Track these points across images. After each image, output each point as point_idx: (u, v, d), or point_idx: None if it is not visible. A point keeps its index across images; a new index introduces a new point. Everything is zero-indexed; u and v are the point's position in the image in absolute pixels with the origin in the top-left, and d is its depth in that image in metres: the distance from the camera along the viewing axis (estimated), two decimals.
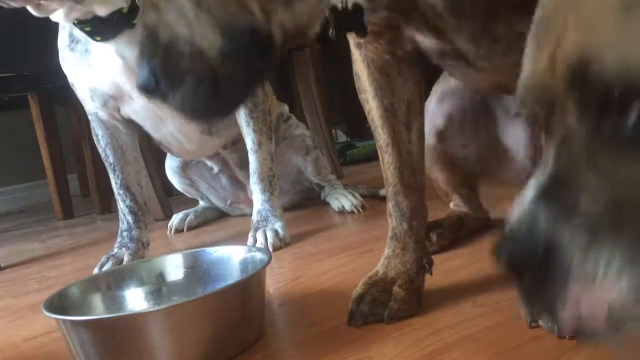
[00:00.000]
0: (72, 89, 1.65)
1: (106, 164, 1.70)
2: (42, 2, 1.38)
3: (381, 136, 1.00)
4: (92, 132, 1.69)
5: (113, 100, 1.61)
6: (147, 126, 1.73)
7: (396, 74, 0.97)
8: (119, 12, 1.45)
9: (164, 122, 1.71)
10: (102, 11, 1.43)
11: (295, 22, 0.71)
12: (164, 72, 0.68)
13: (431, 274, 1.03)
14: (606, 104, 0.38)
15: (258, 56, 0.70)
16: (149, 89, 0.70)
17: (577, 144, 0.41)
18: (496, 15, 0.81)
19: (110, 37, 1.48)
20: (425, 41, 0.91)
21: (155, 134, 1.79)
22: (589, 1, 0.38)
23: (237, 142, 1.88)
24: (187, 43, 0.67)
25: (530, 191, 0.44)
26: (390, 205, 1.02)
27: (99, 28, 1.45)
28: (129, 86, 1.55)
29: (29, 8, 1.37)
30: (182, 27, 0.67)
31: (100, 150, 1.69)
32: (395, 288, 0.98)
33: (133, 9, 1.45)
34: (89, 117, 1.68)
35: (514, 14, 0.78)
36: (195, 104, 0.70)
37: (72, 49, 1.57)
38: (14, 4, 1.33)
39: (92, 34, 1.48)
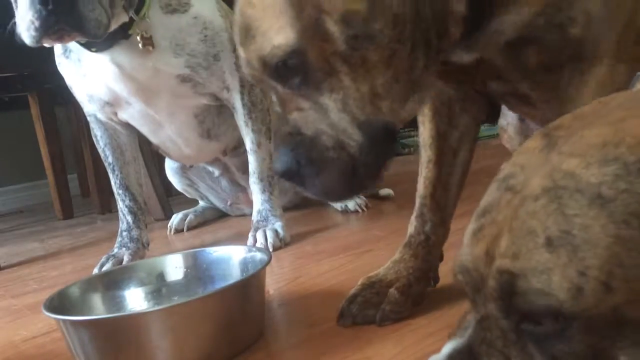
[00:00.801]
0: (70, 89, 1.65)
1: (105, 164, 1.70)
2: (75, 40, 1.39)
3: (426, 153, 1.04)
4: (92, 132, 1.70)
5: (109, 105, 1.61)
6: (145, 130, 1.72)
7: (458, 108, 1.02)
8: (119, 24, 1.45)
9: (161, 127, 1.70)
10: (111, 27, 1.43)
11: (409, 113, 0.85)
12: (309, 160, 0.80)
13: (434, 287, 1.05)
14: (526, 313, 0.45)
15: (387, 145, 0.83)
16: (290, 173, 0.82)
17: (496, 331, 0.48)
18: (550, 69, 0.88)
19: (106, 47, 1.47)
20: (492, 84, 0.96)
21: (154, 138, 1.78)
22: (520, 226, 0.45)
23: (238, 148, 1.87)
24: (330, 137, 0.80)
25: (446, 349, 0.50)
26: (414, 215, 1.04)
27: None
28: (125, 93, 1.55)
29: (46, 44, 1.37)
30: (325, 125, 0.80)
31: (99, 150, 1.69)
32: (392, 290, 0.99)
33: (129, 21, 1.45)
34: (88, 118, 1.68)
35: (564, 67, 0.86)
36: (335, 187, 0.82)
37: (67, 57, 1.57)
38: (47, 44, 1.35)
39: (87, 46, 1.48)
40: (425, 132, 1.04)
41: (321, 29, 0.75)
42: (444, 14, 0.80)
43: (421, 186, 1.04)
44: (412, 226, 1.04)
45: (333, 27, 0.75)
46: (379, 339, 0.91)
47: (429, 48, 0.81)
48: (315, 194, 0.84)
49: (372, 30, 0.76)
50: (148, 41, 1.46)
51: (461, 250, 0.51)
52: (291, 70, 0.78)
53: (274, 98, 0.84)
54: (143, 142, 1.90)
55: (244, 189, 2.01)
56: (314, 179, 0.82)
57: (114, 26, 1.42)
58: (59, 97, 2.64)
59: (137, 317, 0.92)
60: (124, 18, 1.43)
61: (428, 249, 1.03)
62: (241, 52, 0.83)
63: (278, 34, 0.76)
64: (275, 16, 0.76)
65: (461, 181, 1.05)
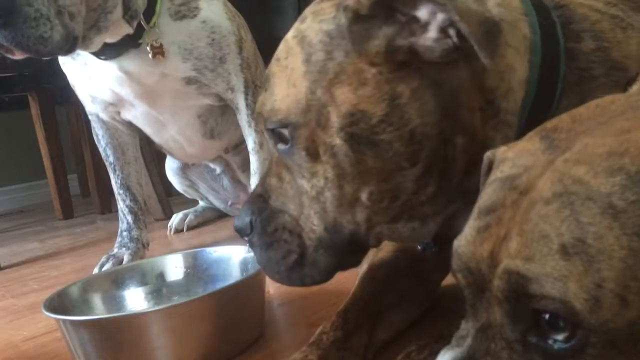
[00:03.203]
0: (72, 88, 1.65)
1: (106, 164, 1.70)
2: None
3: (369, 271, 0.96)
4: (93, 131, 1.69)
5: (113, 106, 1.61)
6: (148, 130, 1.73)
7: (432, 266, 0.94)
8: (125, 35, 1.45)
9: (165, 127, 1.70)
10: (111, 39, 1.43)
11: (392, 237, 0.79)
12: (261, 231, 0.78)
13: None
14: (535, 321, 0.44)
15: (349, 256, 0.79)
16: (243, 233, 0.81)
17: (501, 341, 0.46)
18: None
19: (115, 56, 1.47)
20: None
21: (157, 138, 1.79)
22: (532, 229, 0.44)
23: (239, 145, 1.88)
24: (292, 220, 0.76)
25: (444, 358, 0.49)
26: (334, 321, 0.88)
27: (105, 50, 1.44)
28: (131, 96, 1.55)
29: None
30: (294, 205, 0.76)
31: (100, 149, 1.69)
32: None
33: (138, 30, 1.45)
34: (90, 117, 1.68)
35: None
36: (276, 268, 0.79)
37: (73, 58, 1.55)
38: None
39: (97, 54, 1.47)
40: (378, 253, 0.96)
41: (324, 115, 0.71)
42: (477, 145, 0.71)
43: (358, 292, 0.93)
44: (327, 322, 0.88)
45: (335, 118, 0.70)
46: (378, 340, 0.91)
47: (448, 182, 0.73)
48: (259, 262, 0.82)
49: (377, 139, 0.70)
50: (158, 50, 1.45)
51: (460, 247, 0.50)
52: (281, 137, 0.75)
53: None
54: (144, 142, 1.90)
55: (245, 188, 2.01)
56: (260, 251, 0.80)
57: (116, 37, 1.42)
58: (59, 97, 2.65)
59: (137, 317, 0.91)
60: (126, 30, 1.42)
61: (342, 354, 0.82)
62: (261, 94, 0.80)
63: (282, 99, 0.73)
64: (288, 82, 0.73)
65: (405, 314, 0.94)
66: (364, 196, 0.73)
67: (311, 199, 0.74)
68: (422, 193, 0.73)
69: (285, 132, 0.73)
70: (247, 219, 0.79)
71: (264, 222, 0.78)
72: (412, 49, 0.68)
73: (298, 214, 0.76)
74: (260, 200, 0.79)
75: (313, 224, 0.75)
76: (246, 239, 0.82)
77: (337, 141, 0.71)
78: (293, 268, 0.78)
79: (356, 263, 0.82)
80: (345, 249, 0.76)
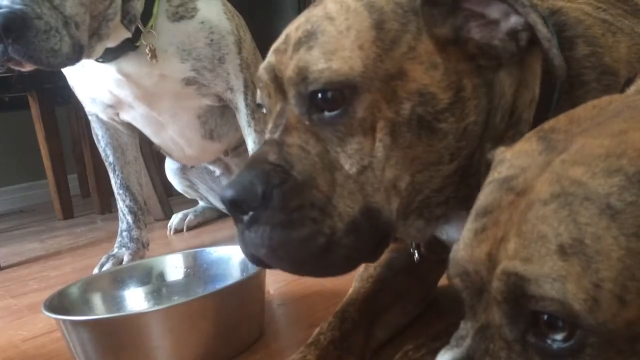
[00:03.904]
0: (72, 89, 1.65)
1: (106, 164, 1.70)
2: None
3: (368, 271, 0.96)
4: (92, 132, 1.70)
5: (112, 108, 1.61)
6: (147, 132, 1.73)
7: (425, 268, 0.95)
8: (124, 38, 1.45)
9: (164, 128, 1.70)
10: (111, 44, 1.43)
11: (401, 233, 0.76)
12: (281, 205, 0.66)
13: None
14: (534, 321, 0.44)
15: (377, 242, 0.71)
16: (243, 205, 0.67)
17: (500, 341, 0.46)
18: None
19: (113, 59, 1.47)
20: None
21: (156, 139, 1.79)
22: (530, 229, 0.44)
23: (239, 147, 1.88)
24: (322, 197, 0.67)
25: (443, 359, 0.49)
26: (331, 319, 0.88)
27: (104, 53, 1.44)
28: (130, 98, 1.55)
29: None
30: (324, 181, 0.67)
31: (100, 149, 1.70)
32: None
33: (136, 33, 1.45)
34: (89, 117, 1.69)
35: None
36: (292, 252, 0.67)
37: None
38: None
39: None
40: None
41: (391, 87, 0.67)
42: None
43: (354, 293, 0.92)
44: (325, 323, 0.86)
45: (404, 94, 0.67)
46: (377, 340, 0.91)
47: (466, 188, 0.73)
48: (259, 246, 0.68)
49: (437, 127, 0.68)
50: (152, 53, 1.45)
51: (458, 251, 0.50)
52: (329, 102, 0.67)
53: (270, 124, 0.72)
54: (143, 143, 1.89)
55: None
56: (272, 230, 0.66)
57: (115, 42, 1.42)
58: (59, 97, 2.65)
59: (137, 317, 0.92)
60: (126, 34, 1.43)
61: (339, 354, 0.82)
62: (274, 55, 0.72)
63: (344, 60, 0.66)
64: (353, 43, 0.67)
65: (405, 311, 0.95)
66: (402, 185, 0.69)
67: (346, 177, 0.67)
68: (442, 194, 0.73)
69: (339, 97, 0.66)
70: (259, 189, 0.66)
71: (286, 195, 0.66)
72: (479, 44, 0.68)
73: (330, 192, 0.67)
74: (276, 169, 0.67)
75: (347, 205, 0.67)
76: (245, 217, 0.68)
77: (401, 118, 0.67)
78: (316, 253, 0.67)
79: (376, 257, 0.75)
80: (376, 238, 0.70)
